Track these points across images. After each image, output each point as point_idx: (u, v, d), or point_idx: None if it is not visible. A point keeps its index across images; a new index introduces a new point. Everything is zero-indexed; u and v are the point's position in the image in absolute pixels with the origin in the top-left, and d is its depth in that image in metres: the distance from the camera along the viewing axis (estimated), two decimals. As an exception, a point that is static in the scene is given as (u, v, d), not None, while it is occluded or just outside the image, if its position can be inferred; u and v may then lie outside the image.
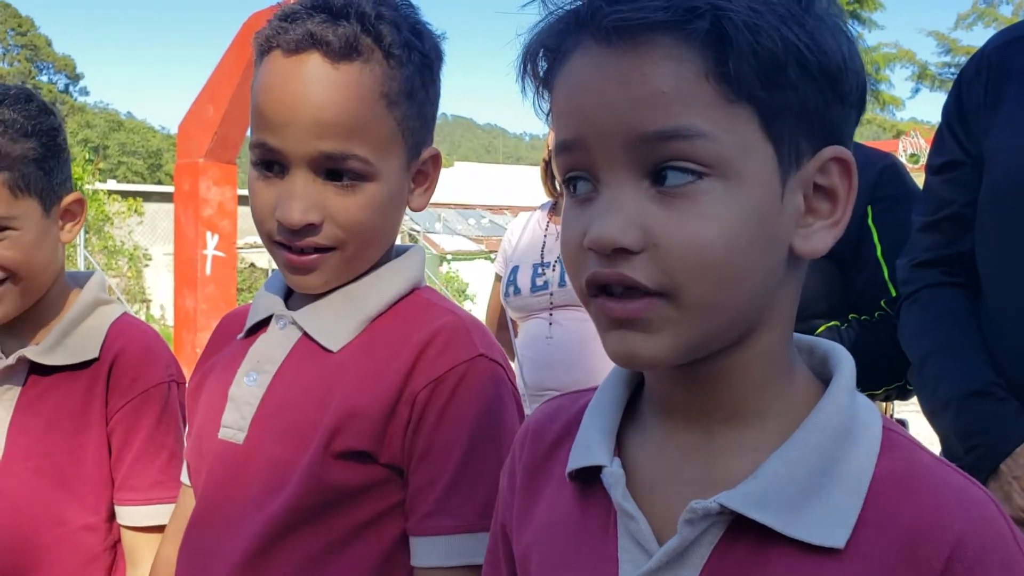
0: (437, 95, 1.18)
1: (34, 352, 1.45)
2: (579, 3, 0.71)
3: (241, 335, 1.23)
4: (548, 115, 0.77)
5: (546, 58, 0.74)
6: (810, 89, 0.69)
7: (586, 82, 0.70)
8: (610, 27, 0.67)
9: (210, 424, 1.17)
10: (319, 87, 1.06)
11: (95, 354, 1.47)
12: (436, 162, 1.20)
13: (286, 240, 1.10)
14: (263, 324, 1.20)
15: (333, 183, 1.08)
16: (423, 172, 1.19)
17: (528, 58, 0.75)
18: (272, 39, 1.08)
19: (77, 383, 1.46)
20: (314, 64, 1.06)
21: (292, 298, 1.21)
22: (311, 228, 1.08)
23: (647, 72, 0.67)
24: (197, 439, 1.21)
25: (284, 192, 1.08)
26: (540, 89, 0.76)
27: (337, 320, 1.14)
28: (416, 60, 1.11)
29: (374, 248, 1.15)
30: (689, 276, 0.67)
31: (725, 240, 0.67)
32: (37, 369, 1.46)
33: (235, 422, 1.14)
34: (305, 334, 1.15)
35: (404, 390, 1.07)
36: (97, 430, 1.46)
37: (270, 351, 1.16)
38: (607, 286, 0.70)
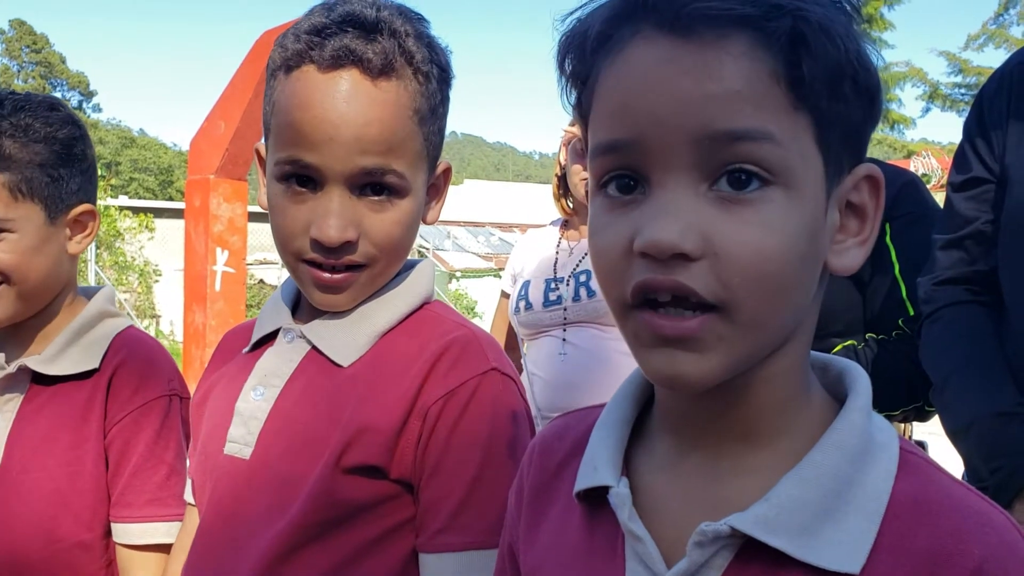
0: (448, 110, 1.17)
1: (35, 361, 1.43)
2: None
3: (247, 349, 1.21)
4: (576, 109, 0.74)
5: (592, 47, 0.70)
6: (857, 105, 0.68)
7: (653, 75, 0.66)
8: (692, 15, 0.64)
9: (215, 440, 1.15)
10: (361, 104, 1.05)
11: (96, 364, 1.44)
12: (447, 175, 1.20)
13: (321, 258, 1.08)
14: (269, 338, 1.19)
15: (367, 199, 1.08)
16: (435, 185, 1.19)
17: (570, 46, 0.72)
18: (304, 54, 1.06)
19: (77, 394, 1.44)
20: (354, 80, 1.05)
21: (299, 311, 1.20)
22: (348, 246, 1.07)
23: (724, 68, 0.64)
24: (202, 455, 1.19)
25: (320, 209, 1.07)
26: (577, 80, 0.72)
27: (347, 334, 1.12)
28: (437, 75, 1.11)
29: (398, 264, 1.15)
30: (747, 288, 0.64)
31: (784, 252, 0.65)
32: (39, 379, 1.44)
33: (242, 437, 1.12)
34: (314, 348, 1.13)
35: (415, 404, 1.06)
36: (95, 443, 1.42)
37: (278, 365, 1.15)
38: (653, 299, 0.66)
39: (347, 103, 1.04)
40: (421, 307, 1.17)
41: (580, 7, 0.72)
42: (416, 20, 1.11)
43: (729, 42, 0.64)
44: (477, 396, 1.06)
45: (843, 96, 0.66)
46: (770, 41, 0.64)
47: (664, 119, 0.65)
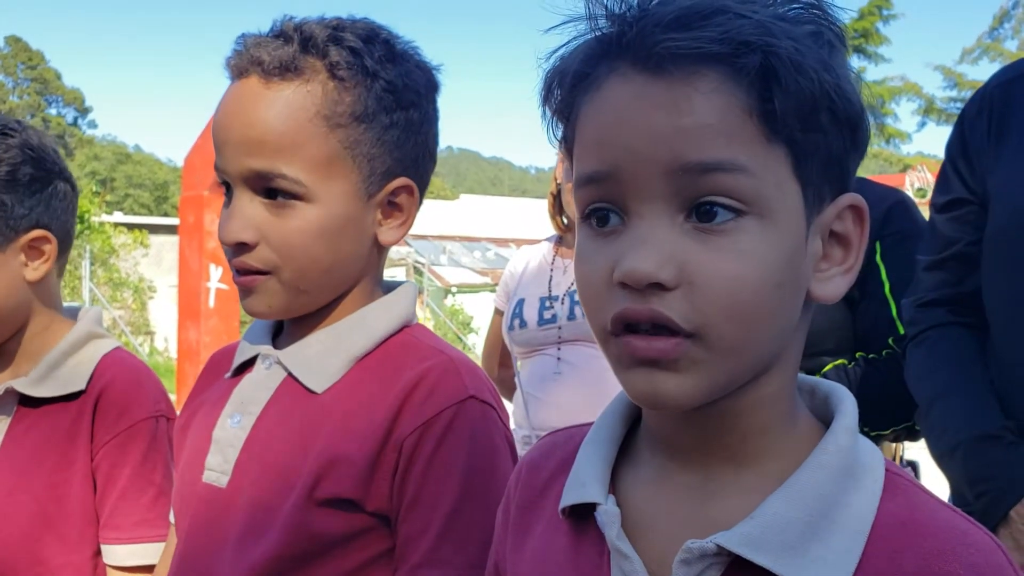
0: (413, 124, 1.14)
1: (22, 383, 1.43)
2: (615, 28, 0.69)
3: (228, 374, 1.20)
4: (562, 142, 0.76)
5: (571, 84, 0.72)
6: (836, 135, 0.69)
7: (627, 110, 0.68)
8: (662, 54, 0.66)
9: (194, 466, 1.14)
10: (249, 105, 1.07)
11: (82, 386, 1.44)
12: (411, 193, 1.15)
13: (229, 260, 1.10)
14: (250, 363, 1.18)
15: (269, 201, 1.08)
16: (395, 204, 1.15)
17: (553, 83, 0.74)
18: (226, 67, 1.11)
19: (64, 416, 1.44)
20: (250, 85, 1.07)
21: (280, 337, 1.19)
22: (244, 247, 1.07)
23: (696, 103, 0.66)
24: (182, 481, 1.19)
25: (227, 211, 1.09)
26: (561, 115, 0.74)
27: (322, 360, 1.11)
28: (378, 86, 1.09)
29: (320, 277, 1.11)
30: (722, 316, 0.66)
31: (760, 280, 0.67)
32: (26, 401, 1.44)
33: (218, 465, 1.11)
34: (290, 375, 1.12)
35: (391, 435, 1.04)
36: (82, 465, 1.43)
37: (254, 392, 1.13)
38: (635, 324, 0.68)
39: (238, 106, 1.07)
40: (400, 331, 1.15)
41: (563, 45, 0.74)
42: (368, 33, 1.11)
43: (699, 79, 0.66)
44: (454, 426, 1.04)
45: (820, 127, 0.68)
46: (740, 77, 0.66)
47: (638, 152, 0.67)
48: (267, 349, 1.16)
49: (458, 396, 1.05)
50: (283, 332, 1.19)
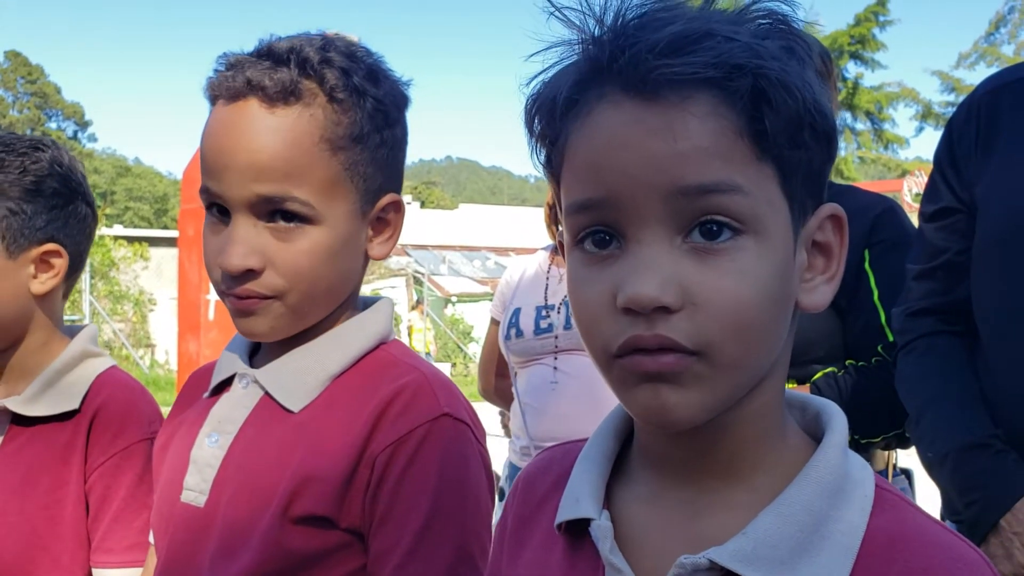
0: (397, 140, 1.15)
1: (15, 402, 1.42)
2: (605, 54, 0.69)
3: (206, 393, 1.19)
4: (546, 166, 0.76)
5: (561, 111, 0.72)
6: (816, 149, 0.71)
7: (622, 136, 0.68)
8: (657, 80, 0.67)
9: (173, 486, 1.14)
10: (254, 132, 1.05)
11: (76, 405, 1.43)
12: (398, 209, 1.17)
13: (227, 287, 1.08)
14: (228, 383, 1.17)
15: (274, 226, 1.07)
16: (383, 219, 1.16)
17: (539, 109, 0.74)
18: (215, 88, 1.09)
19: (58, 436, 1.42)
20: (251, 110, 1.06)
21: (257, 356, 1.18)
22: (250, 274, 1.06)
23: (692, 127, 0.67)
24: (161, 501, 1.18)
25: (226, 237, 1.07)
26: (546, 141, 0.75)
27: (299, 379, 1.11)
28: (368, 105, 1.10)
29: (322, 297, 1.12)
30: (726, 334, 0.67)
31: (759, 297, 0.68)
32: (19, 420, 1.43)
33: (196, 485, 1.11)
34: (267, 394, 1.12)
35: (364, 452, 1.04)
36: (75, 487, 1.41)
37: (231, 411, 1.13)
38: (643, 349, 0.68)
39: (241, 132, 1.06)
40: (377, 348, 1.15)
41: (545, 70, 0.74)
42: (348, 52, 1.11)
43: (693, 103, 0.67)
44: (426, 444, 1.04)
45: (803, 143, 0.69)
46: (733, 99, 0.67)
47: (635, 177, 0.68)
48: (244, 368, 1.16)
49: (431, 414, 1.05)
50: (260, 351, 1.19)
